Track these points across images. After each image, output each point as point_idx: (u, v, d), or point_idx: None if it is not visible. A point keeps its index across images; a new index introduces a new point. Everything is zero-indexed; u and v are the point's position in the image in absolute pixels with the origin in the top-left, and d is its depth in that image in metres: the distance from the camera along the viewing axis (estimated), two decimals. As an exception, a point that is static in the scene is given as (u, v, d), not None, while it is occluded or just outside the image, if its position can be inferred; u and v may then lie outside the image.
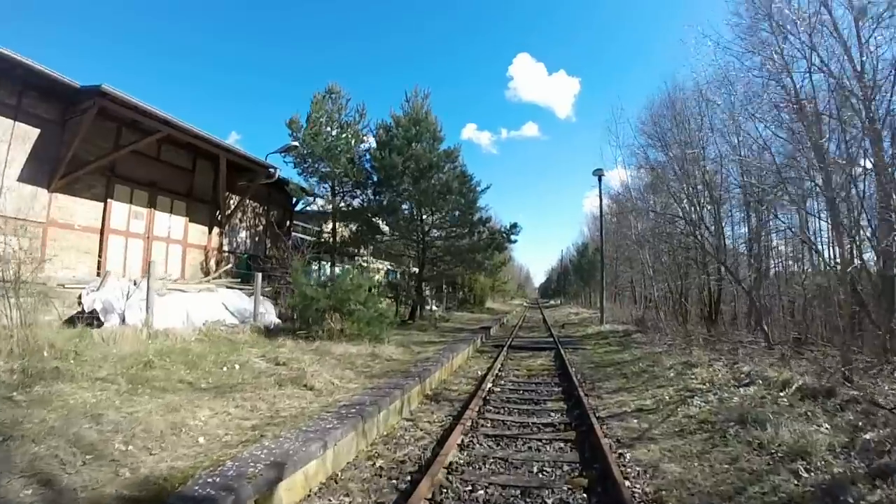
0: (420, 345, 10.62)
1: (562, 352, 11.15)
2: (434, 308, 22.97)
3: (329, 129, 15.24)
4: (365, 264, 21.31)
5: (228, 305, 10.19)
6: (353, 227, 16.91)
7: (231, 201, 14.61)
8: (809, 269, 13.15)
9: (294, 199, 16.63)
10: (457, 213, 15.85)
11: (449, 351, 9.79)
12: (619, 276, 27.65)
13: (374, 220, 15.72)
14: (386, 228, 16.80)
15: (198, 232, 14.00)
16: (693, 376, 6.89)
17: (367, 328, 8.71)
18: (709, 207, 13.12)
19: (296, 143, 14.33)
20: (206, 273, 13.84)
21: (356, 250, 19.47)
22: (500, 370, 9.14)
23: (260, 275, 10.47)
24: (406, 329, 14.24)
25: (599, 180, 18.29)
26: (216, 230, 14.39)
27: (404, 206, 15.65)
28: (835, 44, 7.44)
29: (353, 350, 7.73)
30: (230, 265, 14.24)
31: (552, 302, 70.62)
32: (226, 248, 14.70)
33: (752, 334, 13.49)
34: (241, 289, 12.58)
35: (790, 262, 15.59)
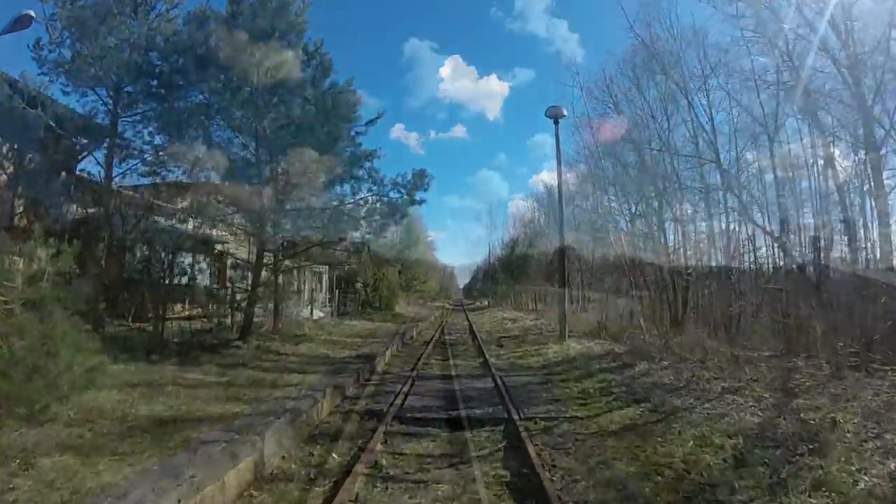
0: (86, 459, 3.43)
1: (527, 445, 4.42)
2: (319, 314, 16.76)
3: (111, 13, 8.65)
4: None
5: None
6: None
7: None
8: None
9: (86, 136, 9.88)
10: (308, 139, 8.34)
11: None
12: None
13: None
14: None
15: None
16: None
17: None
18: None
19: (30, 12, 7.88)
20: None
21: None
22: None
23: None
24: (198, 366, 7.40)
25: (556, 122, 13.62)
26: None
27: (195, 116, 8.53)
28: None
29: None
30: None
31: (478, 304, 66.51)
32: None
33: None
34: None
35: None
